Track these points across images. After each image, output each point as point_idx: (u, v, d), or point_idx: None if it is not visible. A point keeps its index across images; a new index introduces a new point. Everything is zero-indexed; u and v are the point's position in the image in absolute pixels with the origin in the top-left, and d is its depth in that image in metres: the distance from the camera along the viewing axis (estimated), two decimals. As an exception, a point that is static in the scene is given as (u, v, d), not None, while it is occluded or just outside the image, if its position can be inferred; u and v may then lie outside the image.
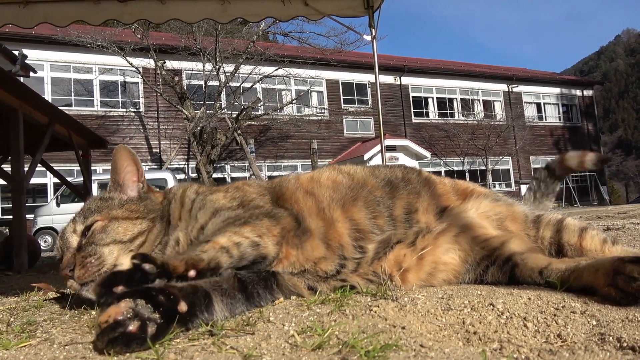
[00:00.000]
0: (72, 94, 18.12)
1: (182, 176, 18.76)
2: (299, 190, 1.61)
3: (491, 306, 1.15)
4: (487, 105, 26.97)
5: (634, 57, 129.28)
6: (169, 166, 17.98)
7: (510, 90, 27.37)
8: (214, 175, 18.10)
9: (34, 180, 16.40)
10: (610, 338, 0.92)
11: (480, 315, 1.11)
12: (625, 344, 0.89)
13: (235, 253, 1.24)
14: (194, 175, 18.19)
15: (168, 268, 1.09)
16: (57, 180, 10.90)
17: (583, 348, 0.87)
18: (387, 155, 18.77)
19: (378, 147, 19.09)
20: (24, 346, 1.04)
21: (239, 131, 17.60)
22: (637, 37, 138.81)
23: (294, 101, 20.50)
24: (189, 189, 1.65)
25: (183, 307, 1.03)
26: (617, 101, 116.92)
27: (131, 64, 16.92)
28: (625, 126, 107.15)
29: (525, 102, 27.68)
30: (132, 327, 0.92)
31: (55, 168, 5.34)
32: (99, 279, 1.31)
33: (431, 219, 1.61)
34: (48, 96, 16.98)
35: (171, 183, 13.31)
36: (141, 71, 17.72)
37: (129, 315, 0.93)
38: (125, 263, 1.37)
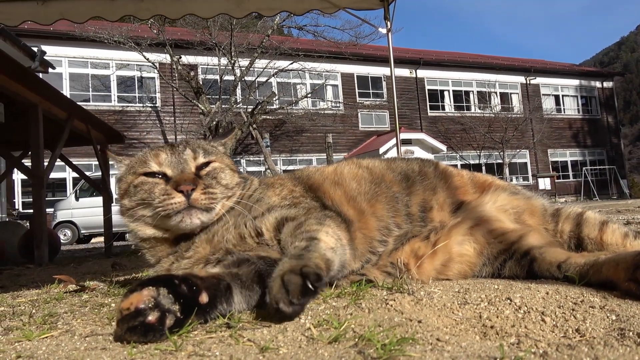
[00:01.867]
0: (90, 89, 18.35)
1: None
2: (327, 181, 1.64)
3: (508, 300, 1.14)
4: (504, 98, 26.61)
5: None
6: (185, 160, 18.11)
7: (528, 82, 26.95)
8: (230, 170, 18.17)
9: (53, 175, 16.68)
10: (630, 333, 0.90)
11: (497, 309, 1.10)
12: (645, 340, 0.87)
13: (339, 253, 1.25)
14: (210, 169, 18.29)
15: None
16: (76, 175, 11.07)
17: (602, 343, 0.86)
18: (403, 148, 18.66)
19: (393, 141, 18.98)
20: (46, 337, 1.06)
21: (254, 125, 17.66)
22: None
23: (309, 95, 20.48)
24: (255, 180, 1.71)
25: (204, 298, 1.05)
26: (638, 92, 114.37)
27: (147, 59, 17.07)
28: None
29: (543, 94, 27.25)
30: (152, 317, 0.93)
31: (74, 162, 5.42)
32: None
33: (446, 216, 1.62)
34: (66, 92, 17.22)
35: (187, 177, 13.42)
36: (157, 66, 17.86)
37: (150, 305, 0.95)
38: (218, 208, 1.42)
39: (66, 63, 17.78)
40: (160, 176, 1.42)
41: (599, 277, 1.25)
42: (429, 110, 24.42)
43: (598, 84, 29.37)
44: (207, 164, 1.49)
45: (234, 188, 1.50)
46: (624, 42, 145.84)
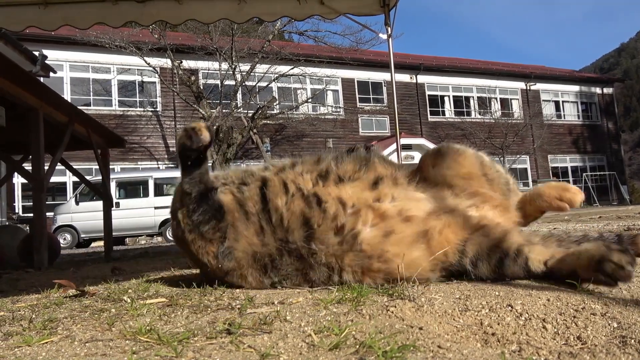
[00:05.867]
0: (91, 93, 18.38)
1: (198, 175, 18.91)
2: None
3: (509, 307, 1.13)
4: (505, 104, 26.64)
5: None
6: (185, 165, 18.11)
7: (528, 88, 27.00)
8: (230, 174, 18.18)
9: (53, 179, 16.66)
10: (632, 341, 0.90)
11: (499, 316, 1.10)
12: (647, 348, 0.87)
13: None
14: (210, 174, 18.30)
15: None
16: (76, 179, 11.08)
17: (604, 351, 0.85)
18: (403, 154, 18.67)
19: (394, 146, 18.99)
20: (46, 343, 1.06)
21: (254, 130, 17.67)
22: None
23: (310, 100, 20.51)
24: None
25: None
26: (638, 99, 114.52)
27: (149, 63, 17.11)
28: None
29: (543, 100, 27.28)
30: None
31: (74, 167, 5.42)
32: None
33: None
34: (67, 96, 17.26)
35: (188, 182, 13.42)
36: (158, 71, 17.91)
37: None
38: None
39: (67, 67, 17.83)
40: None
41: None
42: (429, 116, 24.45)
43: (598, 90, 29.42)
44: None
45: None
46: (624, 48, 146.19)
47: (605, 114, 29.27)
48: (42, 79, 8.66)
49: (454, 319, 1.10)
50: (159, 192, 13.51)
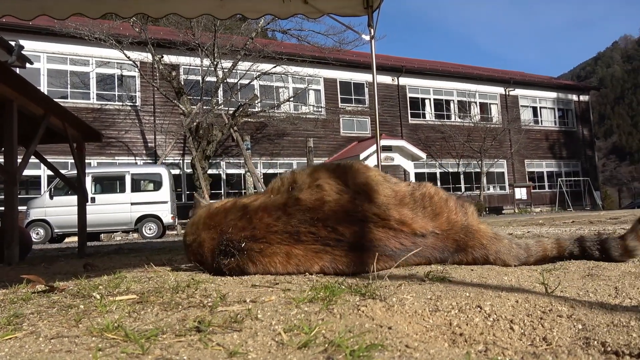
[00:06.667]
0: (69, 86, 18.03)
1: (177, 171, 18.72)
2: None
3: (479, 308, 1.15)
4: (484, 108, 27.05)
5: (631, 63, 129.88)
6: (164, 161, 17.94)
7: (507, 93, 27.45)
8: (209, 172, 18.08)
9: (27, 172, 16.29)
10: (595, 342, 0.92)
11: (468, 317, 1.11)
12: (609, 349, 0.89)
13: None
14: (189, 170, 18.16)
15: None
16: (51, 173, 10.85)
17: (567, 352, 0.87)
18: (383, 155, 18.78)
19: (374, 147, 19.07)
20: (9, 339, 1.03)
21: (235, 128, 17.57)
22: (634, 43, 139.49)
23: (292, 99, 20.49)
24: None
25: None
26: (612, 107, 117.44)
27: (128, 57, 16.86)
28: (620, 132, 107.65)
29: (521, 106, 27.78)
30: None
31: (49, 160, 5.30)
32: None
33: None
34: (44, 88, 16.90)
35: (166, 178, 13.28)
36: (138, 65, 17.66)
37: None
38: None
39: (45, 58, 17.46)
40: None
41: None
42: (409, 118, 24.66)
43: (575, 97, 30.08)
44: None
45: None
46: (601, 57, 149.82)
47: (581, 120, 29.96)
48: (17, 70, 8.46)
49: (423, 319, 1.11)
50: (136, 187, 13.31)
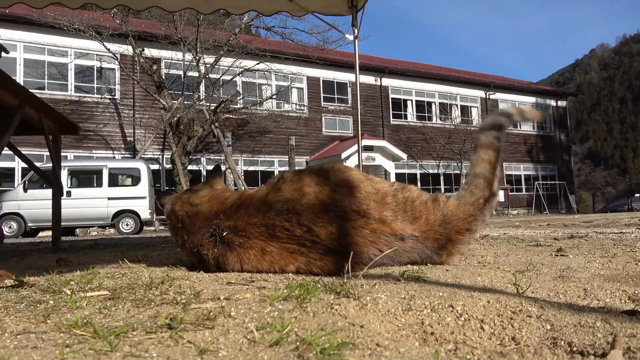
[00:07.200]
0: (46, 77, 17.65)
1: (156, 167, 18.49)
2: None
3: (451, 308, 1.16)
4: (465, 111, 27.38)
5: (607, 71, 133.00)
6: (143, 156, 17.69)
7: (487, 97, 27.84)
8: (189, 167, 17.90)
9: (0, 164, 15.86)
10: (562, 342, 0.94)
11: (440, 316, 1.12)
12: (575, 349, 0.91)
13: None
14: (169, 166, 17.96)
15: None
16: (25, 165, 10.58)
17: (533, 351, 0.89)
18: (364, 155, 18.87)
19: (356, 147, 19.13)
20: (-26, 334, 1.01)
21: (216, 124, 17.43)
22: (610, 52, 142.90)
23: (274, 96, 20.42)
24: None
25: None
26: (589, 113, 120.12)
27: (108, 49, 16.58)
28: (595, 138, 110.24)
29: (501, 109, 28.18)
30: None
31: (23, 152, 5.18)
32: None
33: None
34: (20, 78, 16.51)
35: (144, 173, 13.10)
36: (118, 57, 17.39)
37: None
38: None
39: (21, 48, 17.05)
40: None
41: None
42: (391, 119, 24.80)
43: (553, 103, 30.66)
44: None
45: None
46: (579, 64, 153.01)
47: (559, 125, 30.55)
48: (-8, 59, 8.23)
49: (396, 318, 1.12)
50: (113, 182, 13.10)
